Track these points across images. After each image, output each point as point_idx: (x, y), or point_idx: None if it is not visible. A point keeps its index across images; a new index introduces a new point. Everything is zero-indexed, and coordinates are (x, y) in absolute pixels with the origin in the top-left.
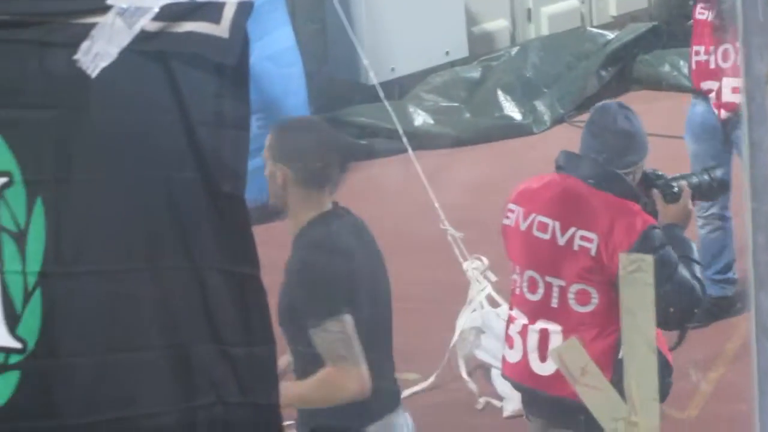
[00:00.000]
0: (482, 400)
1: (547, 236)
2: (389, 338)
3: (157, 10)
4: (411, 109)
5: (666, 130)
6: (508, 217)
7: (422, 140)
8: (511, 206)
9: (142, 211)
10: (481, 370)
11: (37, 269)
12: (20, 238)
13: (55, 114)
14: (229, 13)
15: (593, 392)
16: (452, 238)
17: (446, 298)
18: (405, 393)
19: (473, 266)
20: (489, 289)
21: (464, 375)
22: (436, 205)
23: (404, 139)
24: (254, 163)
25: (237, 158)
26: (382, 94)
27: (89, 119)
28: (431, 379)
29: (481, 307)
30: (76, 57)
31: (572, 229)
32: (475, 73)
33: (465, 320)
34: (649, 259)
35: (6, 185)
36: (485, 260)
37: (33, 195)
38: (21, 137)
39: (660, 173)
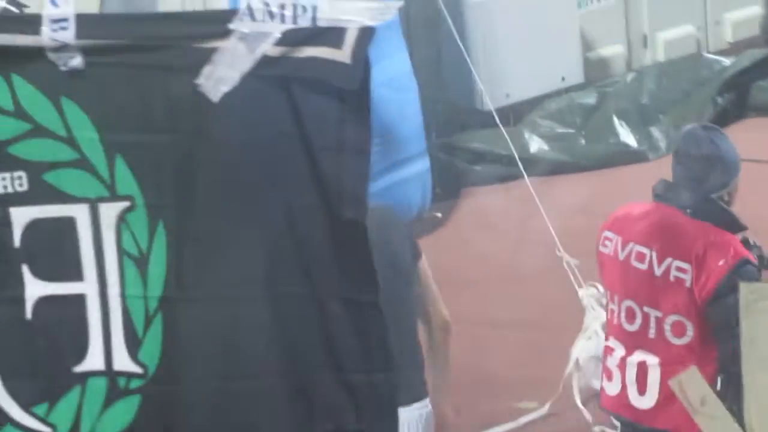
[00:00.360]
0: (597, 429)
1: (644, 266)
2: (408, 330)
3: (278, 35)
4: (526, 134)
5: None
6: (605, 246)
7: (537, 166)
8: (608, 234)
9: (263, 236)
10: (596, 399)
11: (159, 294)
12: (142, 262)
13: (177, 138)
14: (351, 38)
15: (713, 422)
16: (567, 265)
17: (562, 326)
18: (521, 421)
19: (588, 294)
20: (604, 318)
21: (579, 404)
22: (552, 231)
23: (520, 165)
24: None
25: (357, 183)
26: (497, 120)
27: (211, 144)
28: (546, 408)
29: (596, 336)
30: (197, 81)
31: (668, 260)
32: (591, 99)
33: (580, 348)
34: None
35: (128, 209)
36: (601, 288)
37: (155, 219)
38: (143, 161)
39: (756, 243)
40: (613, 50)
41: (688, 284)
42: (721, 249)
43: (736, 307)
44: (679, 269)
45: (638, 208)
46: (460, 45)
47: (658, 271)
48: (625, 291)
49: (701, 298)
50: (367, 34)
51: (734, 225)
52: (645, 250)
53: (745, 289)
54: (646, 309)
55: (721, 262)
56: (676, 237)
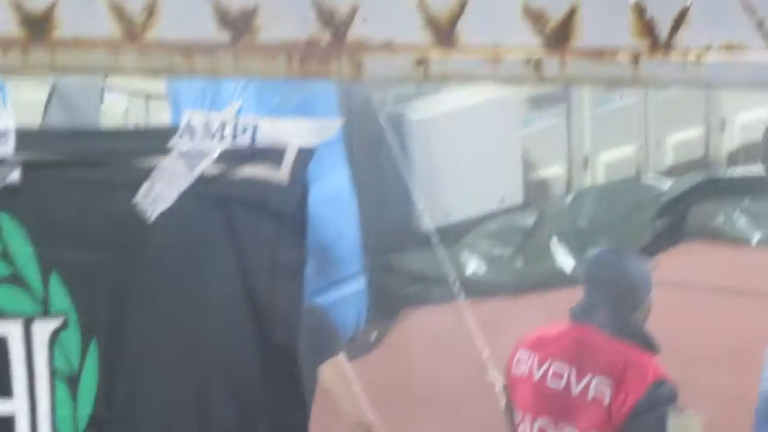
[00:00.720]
0: None
1: (562, 383)
2: None
3: (217, 153)
4: (464, 255)
5: (718, 282)
6: (518, 365)
7: (475, 288)
8: (523, 353)
9: (193, 358)
10: None
11: (89, 413)
12: (73, 381)
13: (112, 256)
14: (289, 158)
15: None
16: (500, 390)
17: None
18: None
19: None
20: None
21: None
22: (486, 355)
23: (456, 287)
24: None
25: (290, 308)
26: (435, 240)
27: (146, 263)
28: None
29: None
30: (135, 200)
31: (587, 377)
32: (530, 220)
33: None
34: (697, 422)
35: (62, 327)
36: None
37: (87, 337)
38: (78, 278)
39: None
40: (553, 171)
41: (606, 403)
42: (640, 368)
43: (653, 426)
44: (597, 387)
45: (556, 328)
46: (400, 163)
47: (576, 389)
48: (539, 409)
49: (619, 416)
50: (306, 154)
51: (650, 345)
52: (563, 368)
53: (672, 418)
54: (560, 427)
55: (639, 382)
56: (596, 356)
